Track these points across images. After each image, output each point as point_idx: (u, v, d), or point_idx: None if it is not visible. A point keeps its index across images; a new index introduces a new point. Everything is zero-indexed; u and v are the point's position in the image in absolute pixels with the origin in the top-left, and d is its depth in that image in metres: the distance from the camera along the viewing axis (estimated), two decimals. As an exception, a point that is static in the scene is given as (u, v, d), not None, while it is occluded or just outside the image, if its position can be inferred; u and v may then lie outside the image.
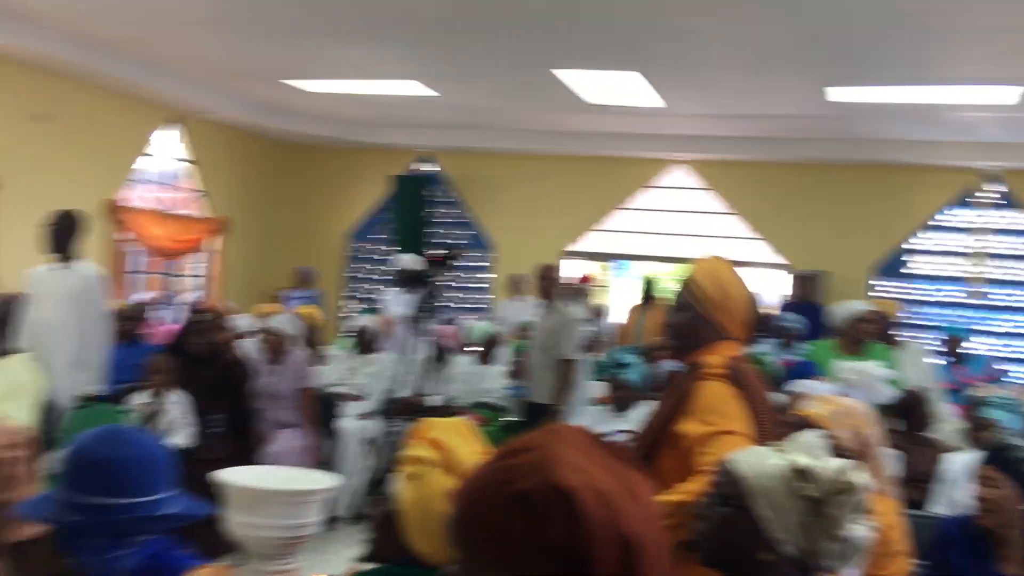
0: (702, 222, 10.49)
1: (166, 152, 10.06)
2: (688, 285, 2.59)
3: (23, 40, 7.48)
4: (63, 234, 5.02)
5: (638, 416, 4.77)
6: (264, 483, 3.56)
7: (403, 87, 8.54)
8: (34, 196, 8.02)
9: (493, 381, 7.16)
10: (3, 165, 7.91)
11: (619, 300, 10.28)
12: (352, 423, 6.31)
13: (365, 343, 7.18)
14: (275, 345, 5.51)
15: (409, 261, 6.54)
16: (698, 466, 2.27)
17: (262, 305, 7.64)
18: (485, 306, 10.74)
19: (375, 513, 2.01)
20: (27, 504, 1.55)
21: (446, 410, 6.30)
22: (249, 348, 5.98)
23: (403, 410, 6.06)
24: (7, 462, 2.27)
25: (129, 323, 6.31)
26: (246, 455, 4.85)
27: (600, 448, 1.03)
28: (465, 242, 10.86)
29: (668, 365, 6.49)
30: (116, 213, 9.09)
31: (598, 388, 6.31)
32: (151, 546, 1.48)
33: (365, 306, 10.44)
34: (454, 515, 1.02)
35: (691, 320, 2.56)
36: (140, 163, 9.64)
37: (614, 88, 7.93)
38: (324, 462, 5.67)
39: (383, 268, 11.03)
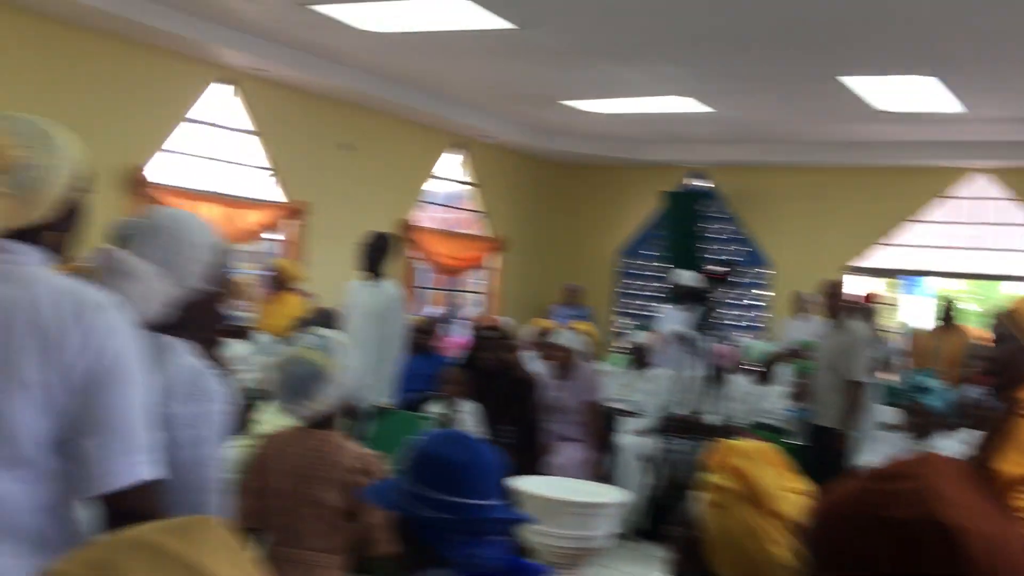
0: (1007, 235, 9.60)
1: (451, 175, 10.69)
2: (1008, 316, 2.45)
3: (332, 77, 8.24)
4: (375, 253, 5.45)
5: (943, 445, 4.44)
6: (557, 493, 3.66)
7: (679, 104, 8.53)
8: (338, 218, 8.81)
9: (773, 402, 6.95)
10: (313, 191, 8.74)
11: (910, 319, 9.63)
12: (630, 439, 6.35)
13: (640, 359, 7.20)
14: (564, 360, 5.67)
15: (688, 278, 6.49)
16: (1016, 510, 2.13)
17: (541, 320, 7.89)
18: (761, 324, 10.45)
19: (677, 535, 2.00)
20: (374, 490, 1.70)
21: (724, 430, 6.17)
22: (535, 362, 6.19)
23: (680, 428, 6.02)
24: (359, 486, 2.45)
25: (423, 336, 6.72)
26: (531, 466, 5.01)
27: (977, 485, 0.98)
28: (740, 259, 10.63)
29: (972, 391, 5.98)
30: (407, 233, 9.75)
31: (890, 413, 5.95)
32: (493, 548, 1.58)
33: (637, 322, 10.48)
34: (811, 534, 1.01)
35: (1012, 353, 2.42)
36: (428, 186, 10.31)
37: (907, 94, 7.47)
38: (603, 477, 5.74)
39: (655, 284, 11.04)
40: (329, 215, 8.79)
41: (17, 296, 1.41)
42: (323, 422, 2.56)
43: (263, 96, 8.30)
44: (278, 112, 8.45)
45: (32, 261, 1.47)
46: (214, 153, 8.19)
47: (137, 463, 1.43)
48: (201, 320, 1.85)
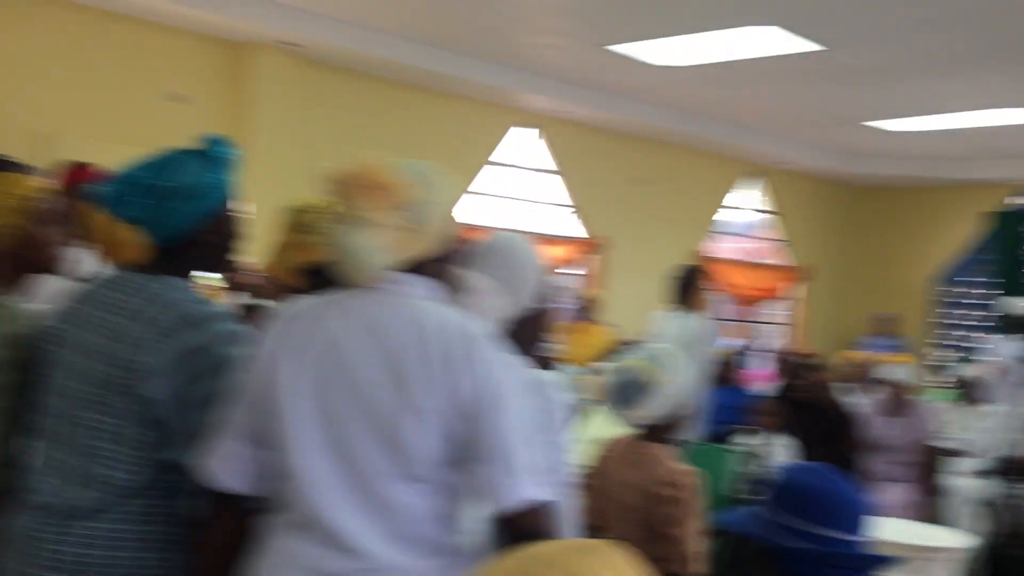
0: None
1: (747, 204, 10.49)
2: None
3: (628, 114, 8.40)
4: (684, 286, 5.47)
5: None
6: (891, 535, 3.44)
7: (1006, 116, 7.83)
8: (636, 251, 8.94)
9: None
10: (612, 225, 8.93)
11: None
12: (961, 481, 5.84)
13: (970, 394, 6.62)
14: (895, 396, 5.34)
15: (1021, 306, 5.90)
16: None
17: (851, 352, 7.49)
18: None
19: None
20: (733, 516, 1.69)
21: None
22: (853, 395, 5.88)
23: (1021, 470, 5.45)
24: (668, 500, 2.49)
25: (726, 368, 6.62)
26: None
27: None
28: (1083, 283, 9.48)
29: None
30: (703, 264, 9.66)
31: None
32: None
33: (961, 354, 9.65)
34: None
35: None
36: (723, 216, 10.19)
37: None
38: (932, 521, 5.32)
39: (979, 313, 10.12)
40: (628, 248, 8.94)
41: (408, 327, 1.53)
42: (655, 433, 2.60)
43: (564, 136, 8.62)
44: (578, 151, 8.74)
45: (420, 292, 1.60)
46: (518, 193, 8.61)
47: (523, 485, 1.51)
48: (531, 335, 1.96)
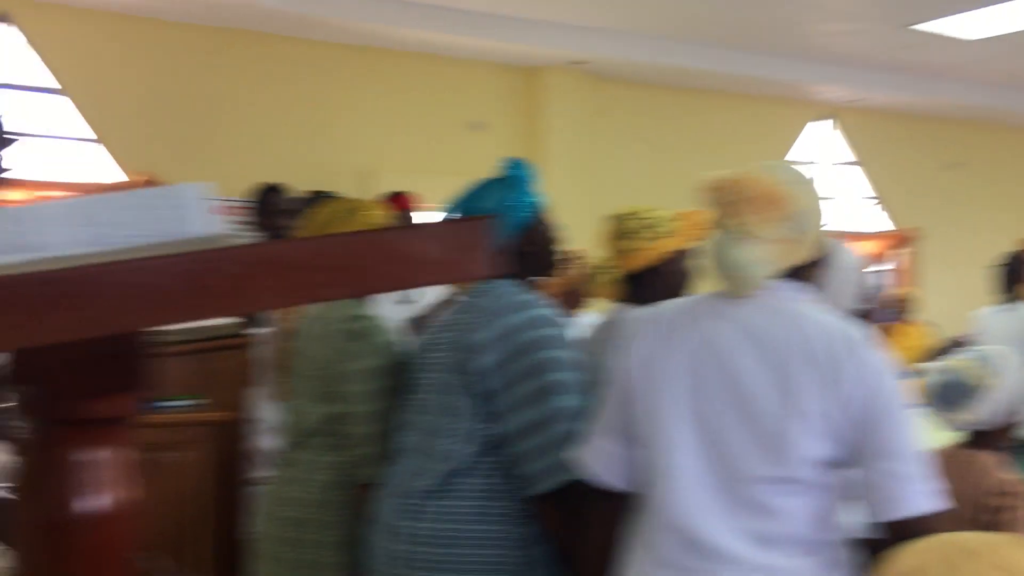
0: None
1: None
2: None
3: (933, 95, 7.82)
4: (1011, 275, 5.01)
5: None
6: None
7: None
8: (953, 242, 8.27)
9: None
10: (922, 216, 8.32)
11: None
12: None
13: None
14: None
15: None
16: None
17: None
18: None
19: None
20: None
21: None
22: None
23: None
24: (996, 509, 2.33)
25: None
26: None
27: None
28: None
29: None
30: (1035, 252, 8.73)
31: None
32: None
33: None
34: None
35: None
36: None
37: None
38: None
39: None
40: (942, 239, 8.30)
41: (790, 332, 1.53)
42: (983, 440, 2.43)
43: (862, 125, 8.17)
44: (879, 139, 8.25)
45: (798, 298, 1.60)
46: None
47: (918, 494, 1.49)
48: None
